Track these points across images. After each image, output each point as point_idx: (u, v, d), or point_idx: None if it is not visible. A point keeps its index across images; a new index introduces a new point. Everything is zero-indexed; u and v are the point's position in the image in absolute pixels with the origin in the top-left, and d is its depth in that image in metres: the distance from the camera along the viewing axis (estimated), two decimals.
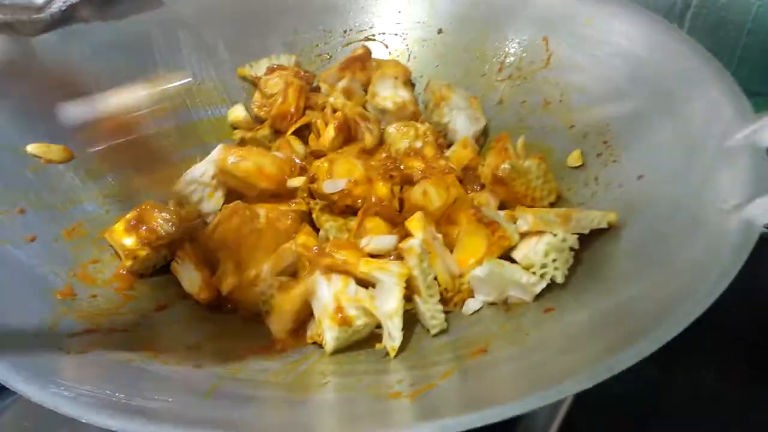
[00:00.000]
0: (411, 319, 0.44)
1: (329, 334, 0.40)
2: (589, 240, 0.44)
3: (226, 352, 0.39)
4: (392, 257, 0.45)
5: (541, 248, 0.43)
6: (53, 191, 0.48)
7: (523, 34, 0.61)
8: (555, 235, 0.43)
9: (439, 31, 0.66)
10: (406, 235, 0.46)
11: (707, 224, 0.37)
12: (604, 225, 0.44)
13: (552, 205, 0.51)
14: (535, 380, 0.29)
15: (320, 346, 0.41)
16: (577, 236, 0.43)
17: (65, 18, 0.56)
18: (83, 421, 0.26)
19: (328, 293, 0.41)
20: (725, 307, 0.58)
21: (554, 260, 0.42)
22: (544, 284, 0.42)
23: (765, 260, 0.64)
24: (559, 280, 0.42)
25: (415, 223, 0.46)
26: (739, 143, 0.41)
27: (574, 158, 0.53)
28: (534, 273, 0.43)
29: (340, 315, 0.40)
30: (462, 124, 0.59)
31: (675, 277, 0.35)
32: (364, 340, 0.42)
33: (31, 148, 0.50)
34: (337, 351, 0.40)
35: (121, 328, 0.38)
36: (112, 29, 0.59)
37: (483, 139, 0.60)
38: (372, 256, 0.45)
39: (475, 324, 0.42)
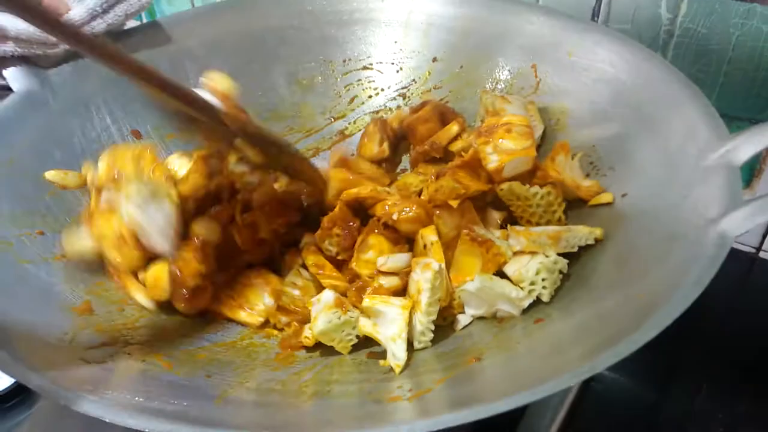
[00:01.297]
0: None
1: (322, 317, 0.42)
2: (576, 253, 0.47)
3: (234, 364, 0.42)
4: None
5: (533, 267, 0.45)
6: (70, 214, 0.50)
7: (513, 62, 0.65)
8: (547, 256, 0.45)
9: (434, 60, 0.69)
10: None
11: (684, 237, 0.40)
12: (591, 241, 0.47)
13: None
14: (521, 381, 0.31)
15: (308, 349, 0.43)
16: (567, 261, 0.46)
17: (78, 52, 0.60)
18: (107, 420, 0.28)
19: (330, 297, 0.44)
20: (719, 326, 0.61)
21: (543, 279, 0.44)
22: (530, 300, 0.45)
23: (757, 279, 0.68)
24: (545, 299, 0.45)
25: (434, 243, 0.48)
26: (715, 162, 0.43)
27: None
28: (522, 288, 0.45)
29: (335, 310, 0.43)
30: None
31: (653, 286, 0.37)
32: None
33: (49, 174, 0.53)
34: (323, 335, 0.42)
35: (136, 341, 0.40)
36: None
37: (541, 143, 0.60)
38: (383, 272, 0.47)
39: (470, 336, 0.44)
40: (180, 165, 0.55)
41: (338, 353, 0.44)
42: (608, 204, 0.51)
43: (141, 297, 0.46)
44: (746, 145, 0.42)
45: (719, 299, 0.66)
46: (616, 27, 0.70)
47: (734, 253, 0.69)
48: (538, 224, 0.51)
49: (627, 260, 0.43)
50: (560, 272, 0.45)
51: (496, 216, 0.53)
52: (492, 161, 0.51)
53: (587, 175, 0.54)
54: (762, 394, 0.55)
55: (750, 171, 0.68)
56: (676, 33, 0.67)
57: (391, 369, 0.40)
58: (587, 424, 0.53)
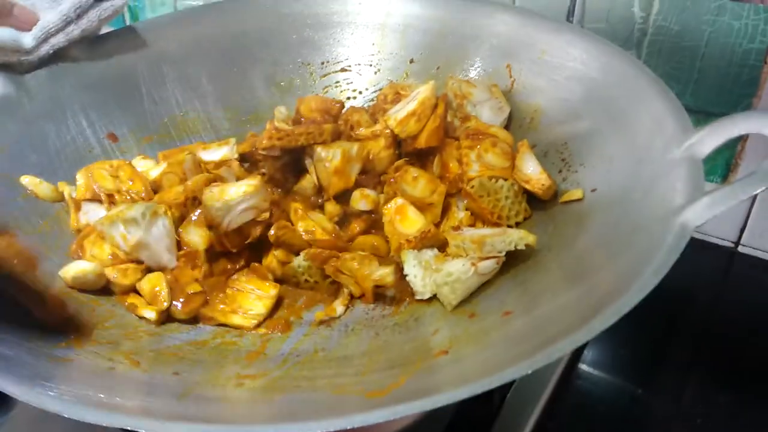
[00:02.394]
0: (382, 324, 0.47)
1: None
2: (549, 243, 0.48)
3: (204, 363, 0.42)
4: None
5: (449, 269, 0.47)
6: (42, 216, 0.51)
7: (489, 62, 0.65)
8: (464, 265, 0.46)
9: (411, 61, 0.70)
10: None
11: (647, 229, 0.40)
12: (521, 247, 0.48)
13: (518, 225, 0.54)
14: (483, 371, 0.31)
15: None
16: (489, 270, 0.47)
17: (55, 57, 0.60)
18: (65, 416, 0.28)
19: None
20: (701, 321, 0.61)
21: (455, 283, 0.46)
22: (427, 295, 0.48)
23: (737, 273, 0.68)
24: (447, 305, 0.47)
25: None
26: (680, 155, 0.44)
27: None
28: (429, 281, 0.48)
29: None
30: (487, 117, 0.60)
31: (614, 277, 0.38)
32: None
33: (24, 179, 0.53)
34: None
35: (105, 340, 0.40)
36: (100, 66, 0.63)
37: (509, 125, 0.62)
38: None
39: (441, 330, 0.45)
40: (145, 166, 0.56)
41: (310, 350, 0.45)
42: (579, 200, 0.51)
43: (147, 312, 0.46)
44: (709, 138, 0.43)
45: (700, 294, 0.66)
46: (590, 26, 0.71)
47: (714, 248, 0.71)
48: (507, 218, 0.53)
49: (593, 253, 0.44)
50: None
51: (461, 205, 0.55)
52: (473, 169, 0.54)
53: (559, 172, 0.55)
54: (745, 387, 0.56)
55: (726, 166, 0.69)
56: (649, 31, 0.67)
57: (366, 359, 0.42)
58: (569, 420, 0.53)
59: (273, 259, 0.52)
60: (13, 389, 0.30)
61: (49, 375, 0.33)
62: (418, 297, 0.49)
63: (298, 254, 0.51)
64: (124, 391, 0.33)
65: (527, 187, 0.54)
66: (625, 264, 0.39)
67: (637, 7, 0.67)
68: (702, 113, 0.44)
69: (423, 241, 0.51)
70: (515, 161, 0.55)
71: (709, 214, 0.38)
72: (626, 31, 0.69)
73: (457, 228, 0.53)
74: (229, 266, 0.51)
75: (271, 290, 0.49)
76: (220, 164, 0.59)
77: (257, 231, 0.51)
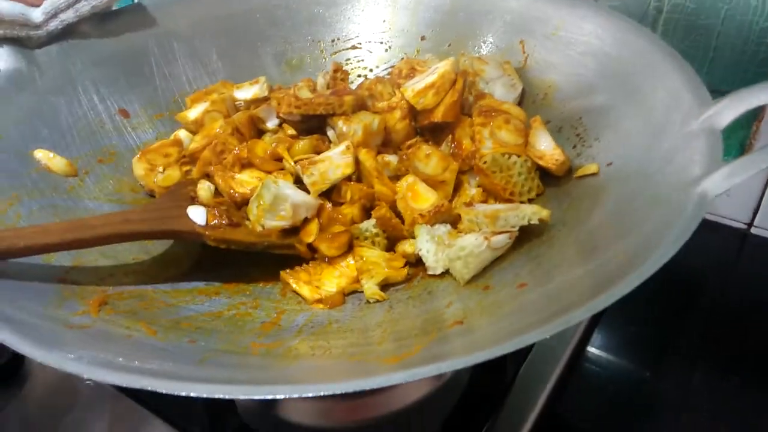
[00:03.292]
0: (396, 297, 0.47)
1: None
2: (563, 218, 0.48)
3: (220, 332, 0.42)
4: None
5: (462, 243, 0.47)
6: (56, 189, 0.51)
7: (501, 38, 0.65)
8: (477, 239, 0.46)
9: (422, 38, 0.69)
10: None
11: (665, 200, 0.40)
12: (535, 221, 0.47)
13: (531, 201, 0.53)
14: (498, 338, 0.31)
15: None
16: (503, 245, 0.47)
17: (65, 33, 0.60)
18: (84, 377, 0.28)
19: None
20: (711, 303, 0.61)
21: (468, 257, 0.46)
22: (439, 270, 0.48)
23: (749, 255, 0.68)
24: (461, 279, 0.46)
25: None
26: (698, 127, 0.43)
27: None
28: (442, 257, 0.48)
29: None
30: (500, 94, 0.60)
31: (633, 247, 0.37)
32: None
33: (37, 153, 0.53)
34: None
35: (122, 310, 0.40)
36: (110, 42, 0.63)
37: (522, 102, 0.62)
38: None
39: (455, 303, 0.44)
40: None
41: (324, 322, 0.44)
42: (594, 174, 0.51)
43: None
44: (728, 110, 0.43)
45: (712, 276, 0.66)
46: (605, 4, 0.70)
47: (726, 230, 0.71)
48: (520, 194, 0.53)
49: (609, 226, 0.43)
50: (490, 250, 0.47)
51: (473, 182, 0.55)
52: (486, 146, 0.54)
53: (574, 147, 0.54)
54: (756, 369, 0.55)
55: (740, 146, 0.68)
56: (665, 9, 0.67)
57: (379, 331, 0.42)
58: (578, 401, 0.53)
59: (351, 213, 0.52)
60: (32, 352, 0.30)
61: (66, 340, 0.33)
62: (430, 272, 0.49)
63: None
64: (141, 355, 0.33)
65: (541, 162, 0.53)
66: (642, 235, 0.38)
67: None
68: (717, 92, 0.44)
69: (436, 216, 0.51)
70: (528, 138, 0.55)
71: (728, 183, 0.37)
72: (641, 9, 0.68)
73: (469, 204, 0.53)
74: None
75: (353, 272, 0.50)
76: (253, 102, 0.62)
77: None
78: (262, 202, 0.49)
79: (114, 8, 0.65)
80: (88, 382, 0.49)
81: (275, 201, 0.48)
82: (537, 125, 0.55)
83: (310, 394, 0.27)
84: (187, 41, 0.67)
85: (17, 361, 0.54)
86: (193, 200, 0.51)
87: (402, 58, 0.67)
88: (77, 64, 0.60)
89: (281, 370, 0.35)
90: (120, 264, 0.48)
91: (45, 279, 0.41)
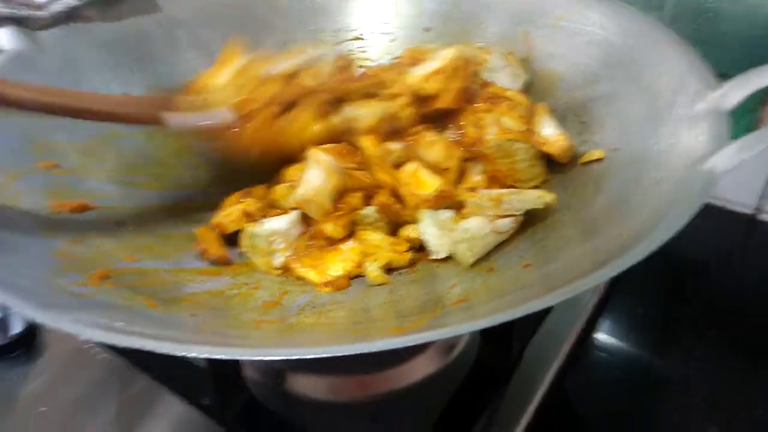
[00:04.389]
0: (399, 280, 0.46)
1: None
2: (568, 202, 0.47)
3: (221, 309, 0.41)
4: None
5: (466, 226, 0.46)
6: (60, 167, 0.50)
7: (505, 29, 0.65)
8: (481, 222, 0.46)
9: (426, 29, 0.69)
10: None
11: (672, 180, 0.40)
12: (539, 206, 0.47)
13: (535, 188, 0.53)
14: (503, 308, 0.31)
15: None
16: (507, 228, 0.46)
17: (68, 16, 0.60)
18: (83, 338, 0.28)
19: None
20: (718, 288, 0.61)
21: (472, 240, 0.46)
22: (442, 254, 0.47)
23: (756, 241, 0.67)
24: (464, 262, 0.45)
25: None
26: (704, 109, 0.43)
27: None
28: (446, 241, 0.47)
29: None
30: (504, 84, 0.59)
31: (639, 224, 0.37)
32: None
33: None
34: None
35: (124, 284, 0.40)
36: (114, 27, 0.63)
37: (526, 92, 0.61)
38: None
39: (458, 285, 0.44)
40: None
41: (326, 302, 0.44)
42: (599, 160, 0.51)
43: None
44: (734, 91, 0.43)
45: (718, 262, 0.66)
46: None
47: (733, 215, 0.70)
48: (524, 181, 0.52)
49: (614, 208, 0.43)
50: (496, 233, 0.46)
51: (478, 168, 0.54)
52: (491, 132, 0.53)
53: (579, 134, 0.54)
54: (761, 354, 0.55)
55: (748, 131, 0.67)
56: None
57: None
58: (584, 383, 0.53)
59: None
60: (30, 312, 0.30)
61: (65, 304, 0.33)
62: (432, 256, 0.49)
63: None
64: (141, 323, 0.33)
65: (545, 149, 0.53)
66: (649, 213, 0.38)
67: None
68: (725, 76, 0.44)
69: (440, 201, 0.51)
70: (533, 124, 0.55)
71: (737, 159, 0.37)
72: None
73: (473, 190, 0.52)
74: None
75: (357, 256, 0.49)
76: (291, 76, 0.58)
77: None
78: (260, 249, 0.48)
79: None
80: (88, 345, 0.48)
81: (267, 240, 0.48)
82: (542, 111, 0.55)
83: (309, 356, 0.27)
84: (191, 28, 0.66)
85: (32, 333, 0.54)
86: None
87: (407, 48, 0.67)
88: (81, 47, 0.60)
89: (282, 340, 0.35)
90: (121, 243, 0.47)
91: (45, 253, 0.41)
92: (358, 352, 0.27)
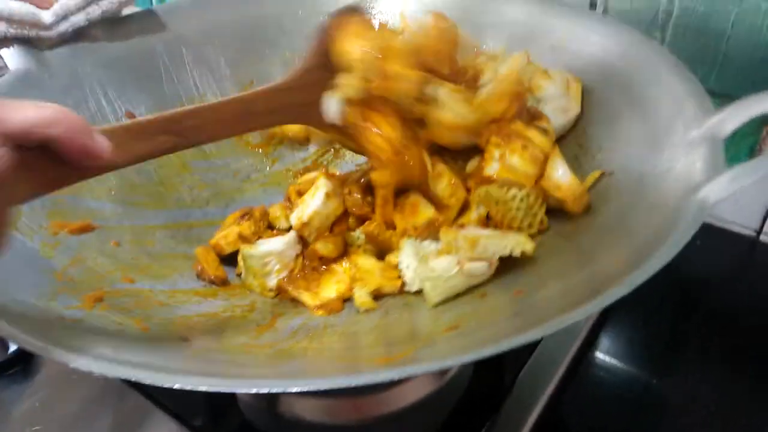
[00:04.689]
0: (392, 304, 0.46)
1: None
2: (562, 227, 0.47)
3: (213, 332, 0.42)
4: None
5: (433, 264, 0.45)
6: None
7: (507, 48, 0.65)
8: (449, 263, 0.44)
9: None
10: None
11: (665, 208, 0.39)
12: (517, 254, 0.45)
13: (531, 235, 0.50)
14: (491, 341, 0.30)
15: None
16: (479, 273, 0.45)
17: (75, 36, 0.61)
18: (72, 366, 0.28)
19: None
20: (720, 310, 0.60)
21: (437, 280, 0.44)
22: (414, 288, 0.46)
23: (758, 262, 0.67)
24: (429, 301, 0.44)
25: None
26: (700, 135, 0.43)
27: None
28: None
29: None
30: (550, 114, 0.55)
31: (631, 254, 0.37)
32: None
33: None
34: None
35: (116, 306, 0.40)
36: (120, 46, 0.64)
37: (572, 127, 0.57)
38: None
39: (450, 310, 0.44)
40: None
41: (319, 326, 0.44)
42: (595, 183, 0.50)
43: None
44: (731, 118, 0.42)
45: (719, 283, 0.65)
46: (615, 8, 0.70)
47: (735, 237, 0.70)
48: (519, 228, 0.49)
49: (608, 234, 0.43)
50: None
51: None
52: (492, 167, 0.51)
53: (576, 158, 0.54)
54: (762, 377, 0.54)
55: (749, 152, 0.67)
56: (674, 12, 0.66)
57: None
58: (581, 405, 0.52)
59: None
60: (20, 340, 0.30)
61: (56, 330, 0.33)
62: (406, 288, 0.48)
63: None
64: (131, 349, 0.33)
65: (557, 195, 0.49)
66: (641, 242, 0.38)
67: None
68: (726, 97, 0.43)
69: (426, 231, 0.49)
70: (546, 168, 0.51)
71: (731, 188, 0.37)
72: (651, 12, 0.68)
73: (461, 226, 0.50)
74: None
75: (349, 278, 0.49)
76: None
77: None
78: (254, 270, 0.48)
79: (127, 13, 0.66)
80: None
81: (262, 261, 0.48)
82: (554, 154, 0.51)
83: (296, 389, 0.27)
84: (196, 47, 0.67)
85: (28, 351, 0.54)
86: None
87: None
88: (86, 66, 0.61)
89: (272, 368, 0.35)
90: (118, 263, 0.48)
91: (41, 274, 0.41)
92: (344, 385, 0.27)
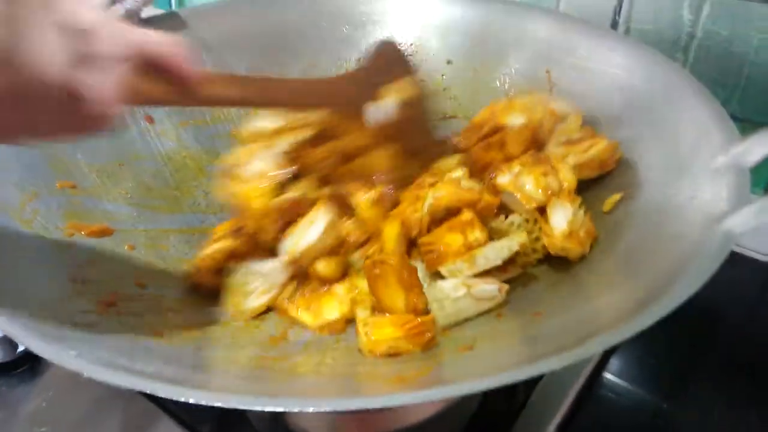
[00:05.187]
0: None
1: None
2: (584, 256, 0.46)
3: (227, 342, 0.41)
4: None
5: (441, 285, 0.44)
6: (77, 188, 0.51)
7: (527, 66, 0.64)
8: (453, 284, 0.44)
9: (448, 62, 0.70)
10: None
11: (688, 236, 0.39)
12: (515, 249, 0.45)
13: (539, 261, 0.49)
14: (505, 366, 0.30)
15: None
16: (488, 296, 0.44)
17: None
18: (85, 376, 0.28)
19: None
20: (735, 336, 0.59)
21: (444, 300, 0.43)
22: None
23: None
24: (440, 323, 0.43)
25: None
26: (725, 164, 0.42)
27: None
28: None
29: None
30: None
31: (652, 284, 0.36)
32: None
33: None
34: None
35: (130, 312, 0.40)
36: None
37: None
38: None
39: (466, 328, 0.43)
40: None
41: (331, 341, 0.44)
42: (616, 207, 0.50)
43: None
44: (756, 147, 0.41)
45: (734, 309, 0.64)
46: (637, 27, 0.70)
47: (752, 263, 0.68)
48: (525, 254, 0.48)
49: (630, 260, 0.42)
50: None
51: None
52: (505, 177, 0.50)
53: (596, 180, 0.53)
54: None
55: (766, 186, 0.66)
56: (697, 35, 0.66)
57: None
58: (591, 428, 0.51)
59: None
60: (35, 346, 0.30)
61: (70, 336, 0.33)
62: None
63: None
64: (144, 357, 0.33)
65: (545, 240, 0.47)
66: (663, 272, 0.37)
67: (686, 10, 0.65)
68: (748, 122, 0.42)
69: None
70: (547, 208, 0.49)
71: (756, 221, 0.36)
72: (674, 35, 0.67)
73: (469, 247, 0.47)
74: None
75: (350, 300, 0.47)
76: None
77: None
78: (232, 286, 0.47)
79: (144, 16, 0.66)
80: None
81: (242, 279, 0.47)
82: (563, 198, 0.49)
83: (312, 409, 0.26)
84: (217, 52, 0.67)
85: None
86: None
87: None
88: None
89: (283, 384, 0.34)
90: (132, 267, 0.48)
91: (55, 276, 0.41)
92: (354, 408, 0.26)
